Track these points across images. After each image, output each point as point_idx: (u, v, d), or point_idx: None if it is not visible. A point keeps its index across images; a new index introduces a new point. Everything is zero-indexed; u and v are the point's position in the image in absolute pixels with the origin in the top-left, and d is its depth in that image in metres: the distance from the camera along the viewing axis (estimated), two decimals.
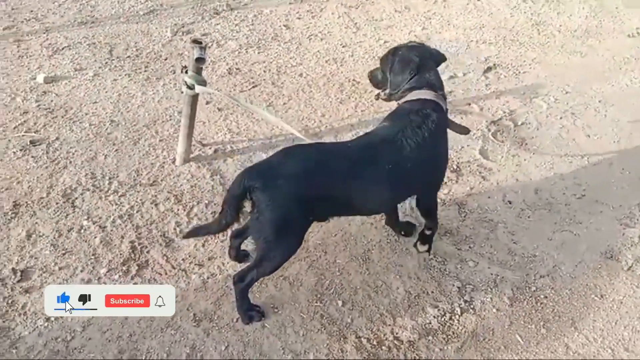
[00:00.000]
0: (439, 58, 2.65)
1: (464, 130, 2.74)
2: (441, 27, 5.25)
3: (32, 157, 3.35)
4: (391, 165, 2.36)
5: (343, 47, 4.84)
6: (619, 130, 3.90)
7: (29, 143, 3.45)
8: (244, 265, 2.62)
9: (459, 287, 2.71)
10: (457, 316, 2.58)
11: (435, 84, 2.55)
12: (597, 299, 2.70)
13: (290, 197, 2.23)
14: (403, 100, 2.56)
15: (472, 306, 2.63)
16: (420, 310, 2.60)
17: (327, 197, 2.31)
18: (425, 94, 2.50)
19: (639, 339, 2.52)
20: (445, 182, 3.33)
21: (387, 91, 2.67)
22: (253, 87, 4.21)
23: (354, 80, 4.33)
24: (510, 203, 3.24)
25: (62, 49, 4.52)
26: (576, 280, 2.78)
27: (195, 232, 2.61)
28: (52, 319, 2.45)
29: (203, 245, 2.86)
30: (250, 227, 2.36)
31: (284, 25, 5.13)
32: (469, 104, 4.08)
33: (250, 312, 2.50)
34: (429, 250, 2.87)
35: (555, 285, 2.75)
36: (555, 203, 3.26)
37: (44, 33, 4.74)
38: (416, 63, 2.54)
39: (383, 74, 2.71)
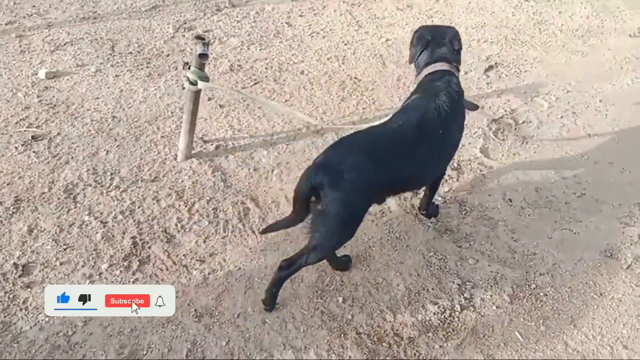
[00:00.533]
0: (452, 34, 2.82)
1: (473, 107, 2.93)
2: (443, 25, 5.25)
3: (34, 152, 3.36)
4: (441, 132, 2.51)
5: (345, 44, 4.84)
6: (620, 129, 3.90)
7: (30, 138, 3.46)
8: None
9: (459, 285, 2.72)
10: (457, 313, 2.59)
11: (448, 57, 2.74)
12: (597, 297, 2.71)
13: (356, 189, 2.32)
14: (422, 75, 2.73)
15: (472, 303, 2.64)
16: (420, 307, 2.61)
17: (389, 182, 2.42)
18: (440, 66, 2.70)
19: (637, 337, 2.53)
20: (446, 180, 3.34)
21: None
22: (255, 84, 4.21)
23: (355, 77, 4.33)
24: (510, 201, 3.25)
25: (64, 44, 4.53)
26: (576, 278, 2.79)
27: (273, 228, 2.66)
28: None
29: (204, 242, 2.87)
30: (314, 219, 2.41)
31: (286, 23, 5.13)
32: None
33: (275, 301, 2.58)
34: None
35: (554, 283, 2.76)
36: (556, 201, 3.26)
37: (46, 28, 4.75)
38: (427, 40, 2.79)
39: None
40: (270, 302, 2.54)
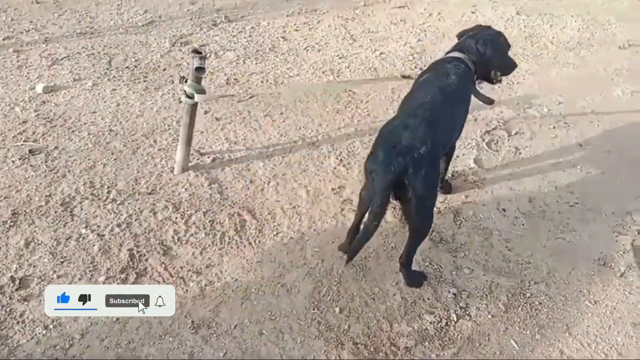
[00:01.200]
0: (484, 36, 3.01)
1: (489, 101, 3.15)
2: (436, 39, 5.32)
3: (31, 166, 3.37)
4: (452, 102, 2.74)
5: (340, 58, 4.90)
6: (611, 139, 3.95)
7: (27, 152, 3.48)
8: None
9: (454, 294, 2.74)
10: (453, 322, 2.61)
11: (467, 49, 2.96)
12: (591, 305, 2.73)
13: (435, 163, 2.55)
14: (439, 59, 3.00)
15: (467, 312, 2.66)
16: (416, 316, 2.63)
17: (443, 146, 2.71)
18: (454, 54, 2.96)
19: (632, 344, 2.56)
20: (442, 191, 3.37)
21: None
22: (251, 97, 4.25)
23: (350, 90, 4.38)
24: (504, 211, 3.28)
25: (62, 59, 4.57)
26: (570, 287, 2.82)
27: (357, 249, 2.54)
28: (51, 326, 2.46)
29: (201, 253, 2.88)
30: (408, 207, 2.48)
31: (282, 37, 5.19)
32: None
33: (417, 277, 2.78)
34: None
35: (549, 291, 2.79)
36: (549, 211, 3.30)
37: (44, 43, 4.79)
38: (464, 36, 3.07)
39: None
40: (418, 282, 2.77)
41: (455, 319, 2.62)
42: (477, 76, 3.01)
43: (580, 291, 2.80)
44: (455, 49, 3.03)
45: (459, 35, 3.16)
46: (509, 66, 3.17)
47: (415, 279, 2.78)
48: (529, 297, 2.75)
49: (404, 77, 4.41)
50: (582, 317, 2.67)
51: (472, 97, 3.11)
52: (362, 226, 2.63)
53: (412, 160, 2.35)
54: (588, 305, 2.73)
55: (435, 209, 3.22)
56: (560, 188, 3.48)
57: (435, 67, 2.94)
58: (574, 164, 3.71)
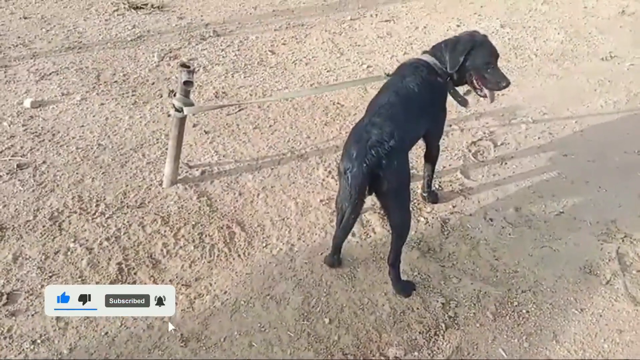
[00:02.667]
0: (455, 41, 3.00)
1: (463, 102, 3.17)
2: (422, 51, 5.39)
3: (19, 180, 3.37)
4: (412, 100, 2.83)
5: (327, 71, 4.95)
6: (594, 149, 4.02)
7: (15, 167, 3.47)
8: None
9: (443, 303, 2.76)
10: (442, 332, 2.63)
11: (436, 54, 2.99)
12: (578, 313, 2.76)
13: (404, 155, 2.65)
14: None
15: (456, 322, 2.68)
16: (405, 326, 2.64)
17: (411, 140, 2.85)
18: (422, 56, 3.04)
19: (618, 351, 2.59)
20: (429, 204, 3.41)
21: None
22: (239, 110, 4.28)
23: (338, 103, 4.42)
24: (491, 220, 3.32)
25: (50, 74, 4.57)
26: (557, 295, 2.85)
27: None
28: (39, 341, 2.45)
29: (190, 266, 2.89)
30: (385, 201, 2.64)
31: (270, 51, 5.24)
32: (450, 125, 4.18)
33: (406, 286, 2.83)
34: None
35: (536, 299, 2.82)
36: (535, 220, 3.34)
37: (32, 58, 4.80)
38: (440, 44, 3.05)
39: None
40: (406, 291, 2.81)
41: (444, 328, 2.64)
42: (453, 78, 3.01)
43: (567, 299, 2.84)
44: (423, 52, 3.13)
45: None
46: (493, 74, 3.00)
47: (404, 288, 2.80)
48: (516, 306, 2.78)
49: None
50: (569, 325, 2.70)
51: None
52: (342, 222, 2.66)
53: (384, 153, 2.47)
54: (575, 313, 2.77)
55: (422, 218, 3.28)
56: (545, 197, 3.53)
57: (397, 71, 3.05)
58: (559, 173, 3.76)
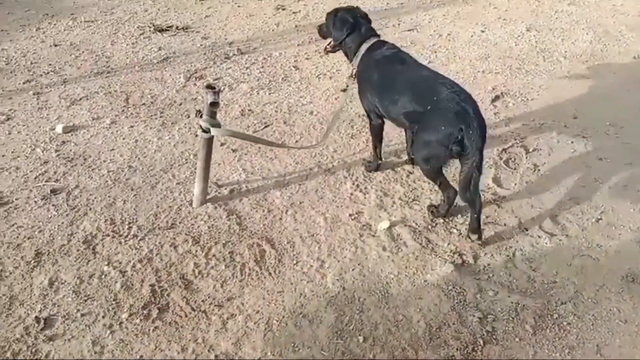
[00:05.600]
0: (363, 13, 3.63)
1: None
2: (447, 59, 5.34)
3: (53, 205, 3.43)
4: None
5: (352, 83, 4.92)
6: (631, 152, 3.89)
7: (49, 192, 3.55)
8: None
9: (480, 318, 2.69)
10: (480, 347, 2.55)
11: (375, 33, 3.57)
12: (622, 324, 2.65)
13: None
14: (365, 49, 3.45)
15: (494, 337, 2.60)
16: (442, 343, 2.58)
17: None
18: (377, 38, 3.52)
19: None
20: (461, 212, 3.35)
21: (332, 43, 3.69)
22: (265, 126, 4.30)
23: (363, 115, 4.38)
24: (526, 230, 3.24)
25: (80, 99, 4.68)
26: (599, 306, 2.75)
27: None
28: None
29: (222, 286, 2.88)
30: (469, 160, 2.90)
31: (293, 66, 5.26)
32: None
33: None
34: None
35: (577, 311, 2.72)
36: (572, 228, 3.24)
37: (62, 85, 4.92)
38: (351, 22, 3.49)
39: (327, 28, 3.68)
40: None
41: (482, 344, 2.56)
42: None
43: (610, 310, 2.73)
44: (368, 35, 3.51)
45: (343, 26, 3.52)
46: None
47: None
48: (556, 318, 2.69)
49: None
50: (614, 337, 2.59)
51: None
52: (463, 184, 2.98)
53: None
54: (619, 324, 2.66)
55: (455, 230, 3.22)
56: (582, 204, 3.42)
57: (390, 55, 3.39)
58: (595, 178, 3.65)
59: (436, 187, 3.52)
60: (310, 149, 3.83)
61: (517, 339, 2.59)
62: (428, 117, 2.98)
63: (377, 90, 3.34)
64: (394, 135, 4.11)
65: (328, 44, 3.75)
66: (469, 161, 2.89)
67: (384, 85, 3.30)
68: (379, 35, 3.55)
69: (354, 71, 3.52)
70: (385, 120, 3.51)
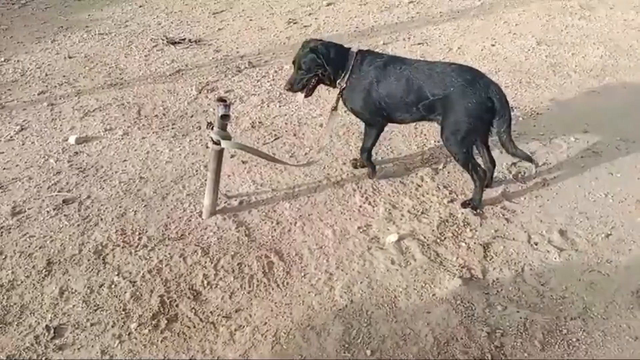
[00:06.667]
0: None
1: None
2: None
3: (65, 215, 3.48)
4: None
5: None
6: None
7: (61, 202, 3.59)
8: None
9: (488, 333, 2.67)
10: None
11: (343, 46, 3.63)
12: (632, 341, 2.63)
13: None
14: (351, 64, 3.45)
15: (502, 352, 2.59)
16: (450, 357, 2.57)
17: None
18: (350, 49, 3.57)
19: None
20: (470, 226, 3.35)
21: (311, 82, 3.59)
22: (275, 139, 4.33)
23: None
24: (536, 244, 3.22)
25: (93, 110, 4.75)
26: (608, 322, 2.72)
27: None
28: None
29: (230, 297, 2.90)
30: (504, 121, 3.31)
31: None
32: None
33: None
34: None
35: (587, 327, 2.70)
36: (582, 243, 3.23)
37: (76, 96, 5.00)
38: (336, 49, 3.52)
39: (307, 70, 3.53)
40: None
41: (490, 359, 2.55)
42: None
43: (620, 326, 2.70)
44: (349, 53, 3.52)
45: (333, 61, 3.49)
46: None
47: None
48: (565, 334, 2.67)
49: None
50: (623, 354, 2.57)
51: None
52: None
53: None
54: (629, 341, 2.63)
55: (464, 244, 3.22)
56: (591, 219, 3.41)
57: (387, 59, 3.50)
58: (605, 193, 3.63)
59: (445, 200, 3.54)
60: (306, 166, 3.87)
61: (525, 355, 2.57)
62: (454, 98, 3.23)
63: (384, 94, 3.42)
64: (403, 149, 4.13)
65: (306, 89, 3.62)
66: (504, 121, 3.29)
67: (393, 86, 3.39)
68: (348, 47, 3.59)
69: (344, 88, 3.53)
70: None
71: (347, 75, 3.47)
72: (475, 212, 3.46)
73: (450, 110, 3.27)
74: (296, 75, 3.56)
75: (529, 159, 3.56)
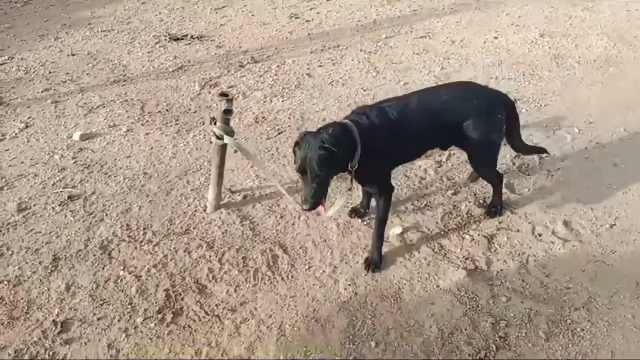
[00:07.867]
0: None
1: None
2: (460, 66, 5.35)
3: (70, 211, 3.50)
4: None
5: (364, 90, 4.96)
6: None
7: (67, 198, 3.61)
8: None
9: (492, 323, 2.68)
10: (492, 353, 2.54)
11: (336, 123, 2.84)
12: (636, 330, 2.63)
13: None
14: (357, 136, 2.70)
15: (507, 342, 2.60)
16: (454, 348, 2.58)
17: None
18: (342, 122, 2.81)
19: None
20: (474, 217, 3.35)
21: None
22: (279, 134, 4.34)
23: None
24: (540, 235, 3.22)
25: (97, 107, 4.77)
26: (613, 312, 2.72)
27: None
28: None
29: (235, 291, 2.91)
30: (516, 122, 3.35)
31: (306, 74, 5.31)
32: None
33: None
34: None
35: (591, 317, 2.70)
36: (586, 234, 3.22)
37: (80, 93, 5.02)
38: (341, 125, 2.76)
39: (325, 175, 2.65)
40: None
41: (494, 350, 2.56)
42: None
43: (624, 316, 2.71)
44: (341, 123, 2.80)
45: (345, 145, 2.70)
46: None
47: None
48: (570, 324, 2.67)
49: None
50: (628, 344, 2.57)
51: None
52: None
53: None
54: (633, 330, 2.63)
55: (468, 235, 3.22)
56: (595, 209, 3.40)
57: (392, 107, 2.91)
58: (609, 184, 3.62)
59: (448, 192, 3.54)
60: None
61: (530, 345, 2.58)
62: (473, 122, 2.98)
63: (404, 144, 2.94)
64: None
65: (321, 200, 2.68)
66: (516, 123, 3.31)
67: (410, 133, 2.91)
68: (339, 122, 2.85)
69: (356, 167, 2.76)
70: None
71: (358, 152, 2.73)
72: (499, 214, 3.38)
73: (472, 135, 2.99)
74: (311, 183, 2.61)
75: (541, 151, 3.64)
